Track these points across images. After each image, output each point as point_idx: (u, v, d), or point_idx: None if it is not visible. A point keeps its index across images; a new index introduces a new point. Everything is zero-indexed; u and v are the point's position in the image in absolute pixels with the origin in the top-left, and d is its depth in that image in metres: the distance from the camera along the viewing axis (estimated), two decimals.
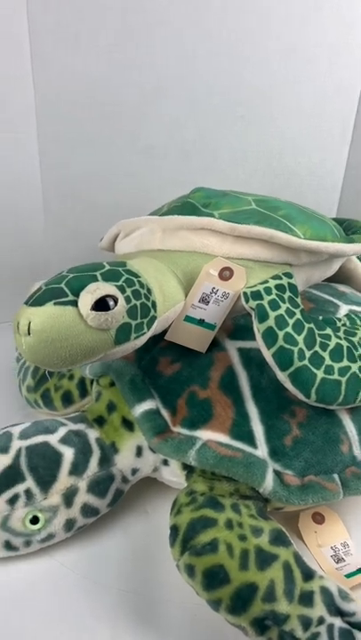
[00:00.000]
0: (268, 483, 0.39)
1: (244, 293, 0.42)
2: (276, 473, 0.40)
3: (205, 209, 0.45)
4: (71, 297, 0.34)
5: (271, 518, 0.40)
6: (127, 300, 0.36)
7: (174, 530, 0.38)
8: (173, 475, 0.45)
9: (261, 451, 0.41)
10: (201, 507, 0.39)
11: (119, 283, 0.36)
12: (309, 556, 0.44)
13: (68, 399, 0.54)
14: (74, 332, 0.34)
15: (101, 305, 0.34)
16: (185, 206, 0.46)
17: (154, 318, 0.39)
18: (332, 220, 0.52)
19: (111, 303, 0.35)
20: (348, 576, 0.42)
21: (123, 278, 0.37)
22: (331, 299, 0.53)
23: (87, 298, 0.34)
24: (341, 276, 0.59)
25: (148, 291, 0.38)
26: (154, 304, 0.39)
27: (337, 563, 0.43)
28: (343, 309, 0.52)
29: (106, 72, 0.66)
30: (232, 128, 0.74)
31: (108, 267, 0.37)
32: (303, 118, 0.74)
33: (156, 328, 0.40)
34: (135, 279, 0.38)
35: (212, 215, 0.43)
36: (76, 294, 0.34)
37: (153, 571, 0.42)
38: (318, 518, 0.46)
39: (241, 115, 0.71)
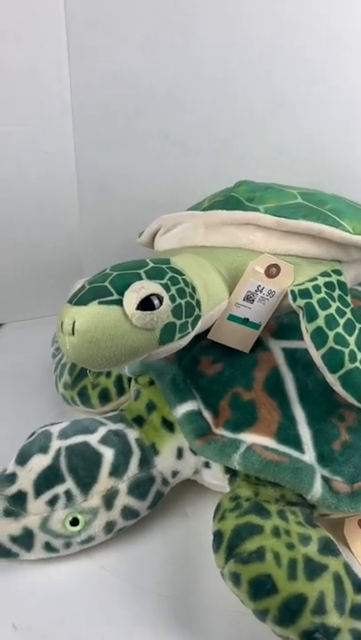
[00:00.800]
0: (317, 489, 0.38)
1: (292, 291, 0.40)
2: (325, 479, 0.39)
3: (250, 203, 0.43)
4: (116, 296, 0.33)
5: (319, 525, 0.38)
6: (172, 298, 0.35)
7: (218, 536, 0.37)
8: (215, 478, 0.43)
9: (309, 456, 0.39)
10: (246, 513, 0.37)
11: (164, 281, 0.35)
12: (357, 566, 0.42)
13: (105, 397, 0.53)
14: (119, 332, 0.33)
15: (147, 304, 0.33)
16: (229, 200, 0.44)
17: (198, 317, 0.37)
18: None
19: (156, 302, 0.33)
20: None
21: (167, 276, 0.36)
22: None
23: (132, 297, 0.33)
24: None
25: (193, 289, 0.37)
26: (198, 303, 0.37)
27: None
28: None
29: (140, 64, 0.64)
30: (269, 120, 0.71)
31: (152, 264, 0.36)
32: (345, 108, 0.71)
33: (201, 327, 0.39)
34: (180, 277, 0.36)
35: (258, 210, 0.42)
36: (121, 293, 0.33)
37: (193, 575, 0.41)
38: None
39: (274, 110, 0.69)
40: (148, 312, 0.33)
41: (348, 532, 0.44)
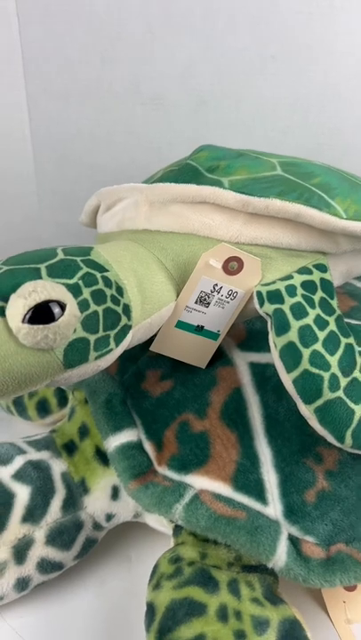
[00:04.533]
0: (281, 555, 0.29)
1: (258, 293, 0.31)
2: (293, 540, 0.30)
3: (211, 174, 0.33)
4: None
5: (283, 601, 0.30)
6: (82, 305, 0.25)
7: (150, 610, 0.28)
8: (160, 524, 0.35)
9: (273, 508, 0.30)
10: (187, 583, 0.29)
11: (72, 280, 0.26)
12: (334, 636, 0.33)
13: (44, 408, 0.45)
14: (1, 354, 0.23)
15: (41, 314, 0.24)
16: (183, 171, 0.34)
17: (127, 328, 0.28)
18: None
19: (56, 311, 0.24)
20: None
21: (80, 273, 0.26)
22: None
23: (18, 304, 0.23)
24: None
25: (119, 290, 0.27)
26: (127, 308, 0.28)
27: None
28: None
29: (104, 1, 0.53)
30: (260, 72, 0.59)
31: (61, 256, 0.27)
32: (351, 60, 0.59)
33: (133, 339, 0.29)
34: (98, 274, 0.27)
35: (220, 184, 0.32)
36: (5, 298, 0.24)
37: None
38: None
39: (271, 55, 0.57)
40: (41, 326, 0.23)
41: (326, 593, 0.35)
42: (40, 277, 0.25)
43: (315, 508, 0.30)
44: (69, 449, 0.36)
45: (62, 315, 0.24)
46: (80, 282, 0.26)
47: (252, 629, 0.27)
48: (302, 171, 0.35)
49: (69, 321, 0.24)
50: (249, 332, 0.36)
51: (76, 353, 0.25)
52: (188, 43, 0.56)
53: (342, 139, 0.63)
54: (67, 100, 0.58)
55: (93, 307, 0.26)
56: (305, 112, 0.61)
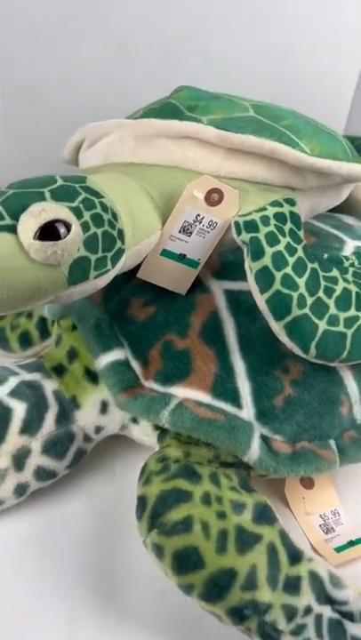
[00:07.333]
0: (254, 450, 0.34)
1: (236, 223, 0.34)
2: (264, 439, 0.34)
3: (191, 113, 0.36)
4: (9, 220, 0.26)
5: (255, 490, 0.34)
6: (84, 226, 0.28)
7: (142, 502, 0.32)
8: (144, 434, 0.39)
9: (247, 412, 0.35)
10: (174, 476, 0.33)
11: (74, 204, 0.28)
12: (296, 525, 0.39)
13: (26, 340, 0.47)
14: (13, 268, 0.26)
15: (49, 232, 0.26)
16: (165, 108, 0.36)
17: (121, 252, 0.31)
18: (344, 138, 0.43)
19: (62, 230, 0.27)
20: (339, 550, 0.37)
21: (80, 198, 0.28)
22: (336, 232, 0.46)
23: (30, 222, 0.26)
24: (346, 207, 0.51)
25: (114, 216, 0.30)
26: (121, 233, 0.30)
27: (326, 533, 0.38)
28: (350, 245, 0.44)
29: None
30: (228, 19, 0.61)
31: (61, 182, 0.29)
32: (317, 6, 0.61)
33: (124, 264, 0.32)
34: (96, 200, 0.29)
35: (199, 121, 0.34)
36: (16, 217, 0.26)
37: (119, 542, 0.37)
38: (307, 483, 0.41)
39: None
40: (51, 243, 0.26)
41: (289, 491, 0.40)
42: (45, 200, 0.27)
43: (282, 412, 0.35)
44: (58, 371, 0.39)
45: (68, 234, 0.27)
46: (81, 205, 0.28)
47: (231, 510, 0.32)
48: (272, 113, 0.38)
49: (75, 239, 0.27)
50: (223, 264, 0.39)
51: (79, 270, 0.28)
52: None
53: (303, 88, 0.66)
54: (32, 40, 0.57)
55: (93, 229, 0.28)
56: (269, 60, 0.63)
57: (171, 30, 0.60)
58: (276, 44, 0.63)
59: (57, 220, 0.26)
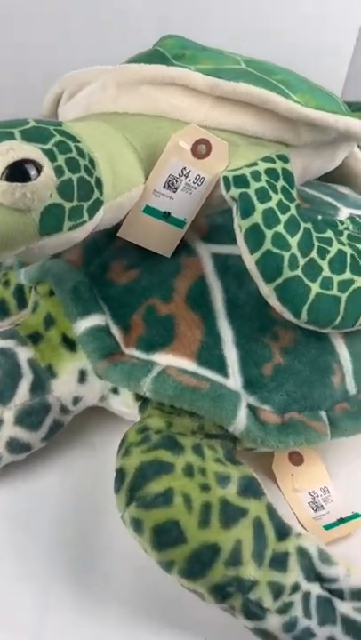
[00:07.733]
0: (241, 420, 0.32)
1: (225, 178, 0.32)
2: (251, 408, 0.32)
3: (178, 61, 0.33)
4: None
5: (241, 463, 0.32)
6: (58, 171, 0.26)
7: (120, 474, 0.30)
8: (125, 405, 0.36)
9: (234, 381, 0.33)
10: (155, 447, 0.31)
11: (47, 145, 0.26)
12: (284, 503, 0.37)
13: (3, 310, 0.45)
14: None
15: (18, 173, 0.24)
16: (152, 55, 0.34)
17: (98, 203, 0.28)
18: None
19: (33, 172, 0.24)
20: (328, 527, 0.36)
21: (53, 140, 0.26)
22: (329, 200, 0.44)
23: None
24: (341, 176, 0.49)
25: (92, 162, 0.28)
26: (99, 182, 0.28)
27: (315, 511, 0.37)
28: (344, 213, 0.42)
29: None
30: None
31: (33, 123, 0.26)
32: None
33: (103, 218, 0.30)
34: (72, 144, 0.27)
35: (187, 68, 0.32)
36: None
37: (98, 517, 0.35)
38: (296, 458, 0.39)
39: None
40: (20, 184, 0.24)
41: (277, 467, 0.39)
42: (14, 139, 0.25)
43: (271, 381, 0.33)
44: (34, 338, 0.36)
45: (38, 176, 0.24)
46: (54, 148, 0.26)
47: (215, 483, 0.30)
48: (264, 68, 0.36)
49: (46, 182, 0.25)
50: (211, 227, 0.37)
51: (51, 218, 0.26)
52: None
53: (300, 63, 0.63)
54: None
55: (68, 174, 0.26)
56: (265, 39, 0.61)
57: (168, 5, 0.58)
58: (271, 21, 0.61)
59: (27, 161, 0.24)
